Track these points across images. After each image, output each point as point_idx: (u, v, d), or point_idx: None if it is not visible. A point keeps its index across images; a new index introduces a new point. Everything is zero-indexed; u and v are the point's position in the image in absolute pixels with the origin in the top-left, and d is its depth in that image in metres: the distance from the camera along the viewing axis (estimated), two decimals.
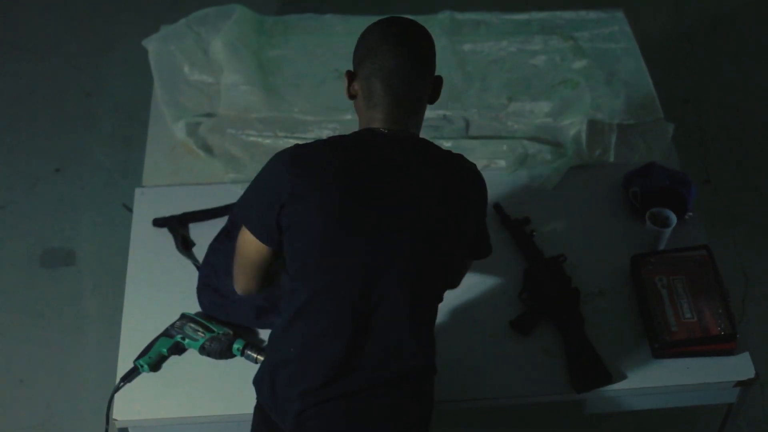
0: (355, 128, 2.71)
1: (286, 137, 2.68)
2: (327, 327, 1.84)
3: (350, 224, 1.81)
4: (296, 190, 1.81)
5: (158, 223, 2.46)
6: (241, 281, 2.01)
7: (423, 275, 1.85)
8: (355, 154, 1.85)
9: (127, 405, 2.11)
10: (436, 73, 1.98)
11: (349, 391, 1.85)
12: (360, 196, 1.82)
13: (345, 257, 1.82)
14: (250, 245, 1.92)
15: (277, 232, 1.86)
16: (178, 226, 2.46)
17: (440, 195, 1.86)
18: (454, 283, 2.13)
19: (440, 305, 2.12)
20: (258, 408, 1.98)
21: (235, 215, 1.97)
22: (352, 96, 1.93)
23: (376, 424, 1.88)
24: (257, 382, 1.97)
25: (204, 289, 2.28)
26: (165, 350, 2.17)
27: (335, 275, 1.82)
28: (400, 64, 1.86)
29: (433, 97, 1.97)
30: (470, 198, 1.92)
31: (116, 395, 2.13)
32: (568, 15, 3.07)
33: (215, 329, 2.18)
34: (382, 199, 1.83)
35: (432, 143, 1.93)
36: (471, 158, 2.59)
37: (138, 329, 2.22)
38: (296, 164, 1.83)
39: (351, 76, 1.93)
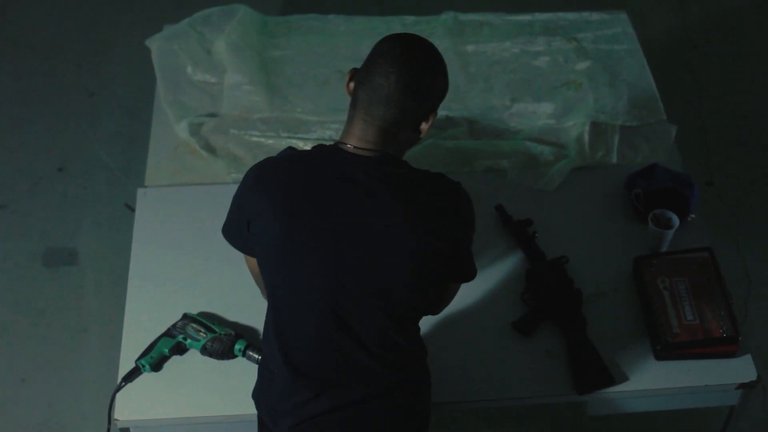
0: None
1: (288, 137, 2.67)
2: (305, 352, 1.84)
3: (303, 246, 1.78)
4: (258, 208, 1.81)
5: None
6: (261, 290, 2.06)
7: (388, 293, 1.81)
8: (315, 173, 1.80)
9: (129, 405, 2.11)
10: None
11: (341, 404, 1.85)
12: (313, 216, 1.78)
13: (303, 278, 1.80)
14: (247, 260, 1.97)
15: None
16: None
17: (402, 214, 1.78)
18: (435, 309, 2.06)
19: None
20: (259, 420, 1.99)
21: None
22: (349, 92, 1.86)
23: None
24: (255, 396, 1.98)
25: None
26: (167, 350, 2.17)
27: (299, 298, 1.82)
28: (385, 84, 1.76)
29: (417, 126, 1.83)
30: (445, 218, 1.82)
31: (118, 395, 2.12)
32: (571, 16, 3.06)
33: (217, 330, 2.18)
34: (337, 218, 1.78)
35: (405, 163, 1.85)
36: (473, 159, 2.62)
37: (140, 329, 2.22)
38: (260, 182, 1.82)
39: (352, 75, 1.86)
